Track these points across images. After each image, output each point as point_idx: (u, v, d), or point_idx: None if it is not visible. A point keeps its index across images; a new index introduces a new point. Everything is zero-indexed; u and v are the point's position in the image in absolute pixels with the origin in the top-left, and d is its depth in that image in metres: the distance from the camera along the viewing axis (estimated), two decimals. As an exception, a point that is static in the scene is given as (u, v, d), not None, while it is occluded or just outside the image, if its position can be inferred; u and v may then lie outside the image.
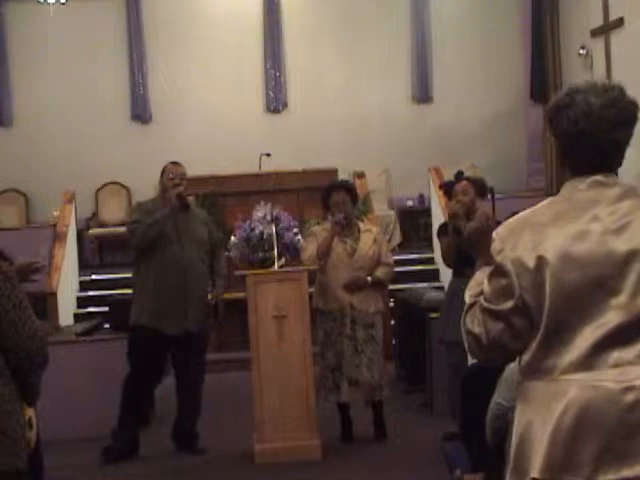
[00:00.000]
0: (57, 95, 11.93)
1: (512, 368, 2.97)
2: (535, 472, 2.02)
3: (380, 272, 5.87)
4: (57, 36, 11.93)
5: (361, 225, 6.07)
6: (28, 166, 11.78)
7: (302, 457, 5.49)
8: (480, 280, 2.25)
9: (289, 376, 5.59)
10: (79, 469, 5.64)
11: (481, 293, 2.20)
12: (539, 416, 2.06)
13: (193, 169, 9.85)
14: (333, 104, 12.07)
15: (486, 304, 2.15)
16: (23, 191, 12.00)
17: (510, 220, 2.20)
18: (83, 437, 6.14)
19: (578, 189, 2.15)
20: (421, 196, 11.69)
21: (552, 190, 10.35)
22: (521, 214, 2.20)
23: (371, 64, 12.23)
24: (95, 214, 11.97)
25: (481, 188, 5.76)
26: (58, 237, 9.67)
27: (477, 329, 2.16)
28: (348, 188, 6.04)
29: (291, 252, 5.87)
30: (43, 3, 11.39)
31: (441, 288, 8.18)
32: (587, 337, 2.05)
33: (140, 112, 12.18)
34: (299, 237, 5.88)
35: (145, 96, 12.20)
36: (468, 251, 2.41)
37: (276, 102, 12.29)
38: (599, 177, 2.14)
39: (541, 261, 2.07)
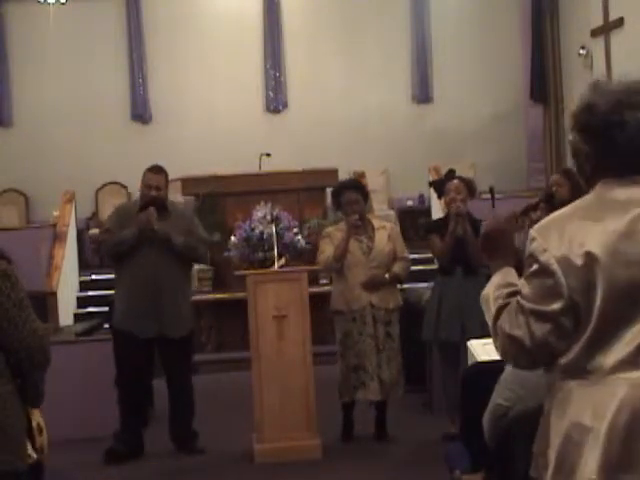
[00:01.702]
0: (57, 95, 11.93)
1: (512, 369, 2.97)
2: (592, 472, 2.00)
3: (398, 267, 5.84)
4: (57, 36, 11.93)
5: (375, 222, 6.02)
6: (28, 166, 11.78)
7: (302, 457, 5.49)
8: (501, 282, 2.20)
9: (289, 376, 5.58)
10: (79, 469, 5.63)
11: (511, 295, 2.15)
12: (587, 416, 2.03)
13: (193, 169, 9.93)
14: (333, 104, 12.08)
15: (531, 305, 2.08)
16: (23, 191, 12.01)
17: (549, 218, 2.16)
18: (83, 437, 6.14)
19: (614, 188, 2.12)
20: (421, 196, 11.69)
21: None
22: (558, 212, 2.16)
23: (371, 64, 12.23)
24: (95, 214, 11.97)
25: (471, 188, 5.80)
26: (58, 237, 9.68)
27: (518, 332, 2.09)
28: (358, 187, 6.00)
29: (291, 252, 5.86)
30: (43, 3, 11.40)
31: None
32: (635, 336, 2.04)
33: (140, 112, 12.19)
34: (299, 237, 5.88)
35: (145, 96, 12.20)
36: (483, 252, 2.32)
37: (276, 102, 12.30)
38: (635, 177, 2.13)
39: (590, 259, 2.03)
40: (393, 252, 5.85)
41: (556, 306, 2.06)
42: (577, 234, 2.07)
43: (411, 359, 7.08)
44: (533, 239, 2.12)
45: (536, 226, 2.16)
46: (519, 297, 2.12)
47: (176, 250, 5.65)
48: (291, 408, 5.57)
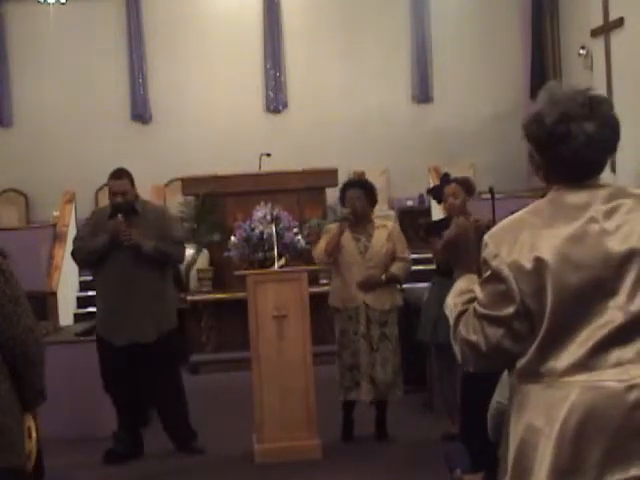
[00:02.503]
0: (57, 95, 11.94)
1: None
2: (542, 477, 2.01)
3: (395, 268, 5.80)
4: (57, 36, 11.94)
5: (376, 221, 6.01)
6: (28, 166, 11.79)
7: (302, 457, 5.48)
8: (463, 288, 2.23)
9: (289, 376, 5.58)
10: (79, 469, 5.63)
11: (470, 301, 2.17)
12: (540, 419, 2.04)
13: (193, 169, 9.93)
14: (333, 104, 12.08)
15: (484, 310, 2.11)
16: (23, 191, 12.01)
17: (501, 224, 2.18)
18: (83, 437, 6.14)
19: (566, 194, 2.13)
20: (421, 196, 11.69)
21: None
22: (511, 217, 2.18)
23: (371, 64, 12.24)
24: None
25: (469, 187, 5.78)
26: (58, 237, 9.68)
27: (474, 337, 2.12)
28: (363, 185, 5.99)
29: (291, 252, 5.86)
30: (43, 3, 11.40)
31: (441, 288, 8.16)
32: (587, 338, 2.04)
33: (140, 112, 12.19)
34: (299, 237, 5.88)
35: (145, 96, 12.21)
36: (447, 259, 2.35)
37: (276, 102, 12.30)
38: (588, 181, 2.14)
39: (540, 263, 2.05)
40: (392, 252, 5.82)
41: (508, 311, 2.08)
42: (529, 239, 2.08)
43: (411, 359, 7.08)
44: (486, 245, 2.14)
45: (489, 232, 2.18)
46: (475, 303, 2.15)
47: (147, 256, 5.58)
48: (291, 408, 5.57)
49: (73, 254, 5.80)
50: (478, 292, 2.15)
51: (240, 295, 6.57)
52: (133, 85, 12.22)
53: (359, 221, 5.79)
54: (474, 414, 3.29)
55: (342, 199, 5.94)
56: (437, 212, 9.92)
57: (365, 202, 5.84)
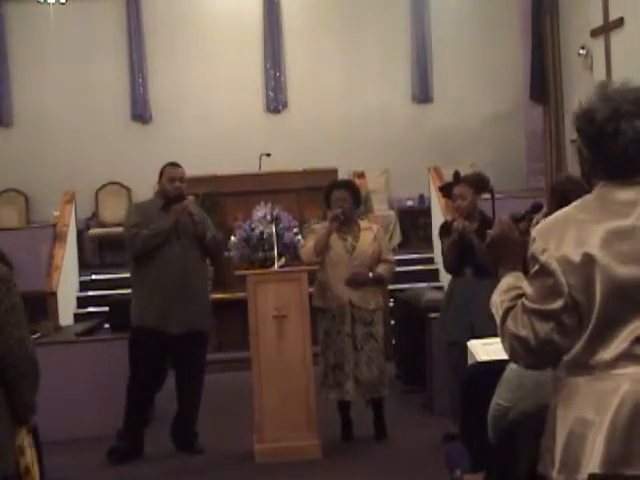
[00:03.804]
0: (57, 95, 11.93)
1: (512, 369, 2.97)
2: (595, 467, 2.04)
3: (382, 269, 5.87)
4: (57, 36, 11.93)
5: (362, 223, 6.07)
6: (28, 166, 11.78)
7: (302, 457, 5.49)
8: (509, 285, 2.25)
9: (289, 376, 5.59)
10: (80, 469, 5.64)
11: (518, 297, 2.19)
12: (591, 411, 2.07)
13: (193, 169, 9.88)
14: (333, 104, 12.08)
15: (532, 305, 2.14)
16: (23, 191, 12.00)
17: (548, 220, 2.21)
18: (83, 437, 6.14)
19: (614, 190, 2.17)
20: (421, 196, 11.69)
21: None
22: (558, 213, 2.21)
23: (371, 64, 12.23)
24: (95, 214, 11.97)
25: (480, 184, 5.75)
26: (58, 237, 9.67)
27: (523, 332, 2.14)
28: (349, 186, 6.05)
29: (291, 252, 5.87)
30: (43, 3, 11.39)
31: (441, 288, 8.17)
32: (635, 331, 2.08)
33: (140, 112, 12.19)
34: (299, 237, 5.88)
35: (145, 96, 12.20)
36: (489, 259, 2.38)
37: (276, 102, 12.30)
38: (634, 178, 2.17)
39: (588, 258, 2.08)
40: (377, 253, 5.88)
41: (557, 305, 2.11)
42: (576, 234, 2.11)
43: (411, 359, 7.09)
44: (534, 240, 2.17)
45: (537, 227, 2.21)
46: (523, 298, 2.17)
47: (205, 244, 5.73)
48: (291, 408, 5.57)
49: (133, 241, 5.65)
50: (526, 287, 2.17)
51: (240, 295, 6.57)
52: (133, 85, 12.21)
53: (345, 221, 5.84)
54: (474, 414, 3.30)
55: (327, 200, 5.98)
56: (437, 212, 9.92)
57: (351, 203, 5.89)
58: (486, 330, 5.31)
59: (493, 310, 2.27)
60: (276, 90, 12.28)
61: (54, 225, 9.95)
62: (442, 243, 5.83)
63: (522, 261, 2.32)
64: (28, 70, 11.97)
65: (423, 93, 12.35)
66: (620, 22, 9.36)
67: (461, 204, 5.66)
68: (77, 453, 5.93)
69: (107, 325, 7.08)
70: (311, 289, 5.88)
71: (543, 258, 2.13)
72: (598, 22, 9.83)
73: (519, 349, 2.17)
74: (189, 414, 5.88)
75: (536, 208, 4.84)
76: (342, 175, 8.86)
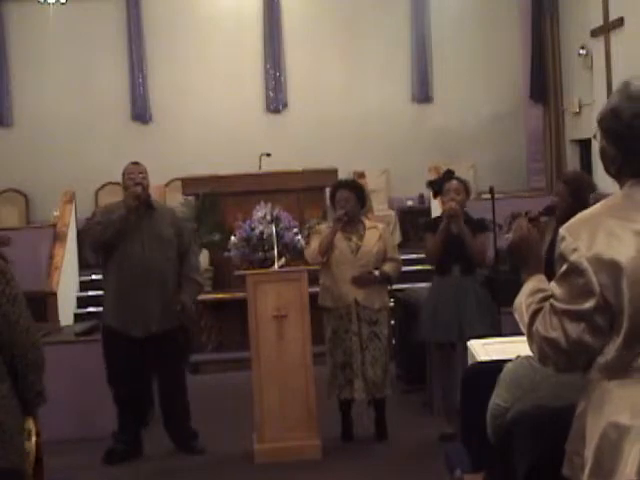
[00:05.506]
0: (57, 95, 11.93)
1: (508, 369, 2.97)
2: (632, 473, 1.99)
3: (388, 267, 5.86)
4: (57, 36, 11.94)
5: (367, 222, 6.06)
6: (28, 166, 11.78)
7: (302, 457, 5.49)
8: (533, 288, 2.21)
9: (289, 376, 5.59)
10: (79, 469, 5.64)
11: (545, 299, 2.15)
12: (625, 416, 2.03)
13: (193, 169, 9.93)
14: (333, 104, 12.08)
15: (563, 306, 2.09)
16: (23, 191, 12.00)
17: (576, 218, 2.17)
18: (83, 437, 6.14)
19: None
20: (421, 196, 11.69)
21: (552, 190, 10.34)
22: (586, 211, 2.18)
23: (371, 64, 12.23)
24: (95, 214, 11.95)
25: (468, 190, 5.86)
26: (58, 237, 9.67)
27: (554, 333, 2.10)
28: (353, 186, 6.04)
29: (291, 252, 5.87)
30: (43, 3, 11.40)
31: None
32: None
33: (140, 112, 12.19)
34: (299, 237, 5.89)
35: (145, 96, 12.20)
36: (515, 262, 2.34)
37: (276, 102, 12.30)
38: None
39: (618, 257, 2.05)
40: (383, 253, 5.88)
41: (588, 305, 2.07)
42: (606, 233, 2.07)
43: (411, 359, 7.08)
44: (563, 238, 2.13)
45: (566, 225, 2.16)
46: (552, 299, 2.13)
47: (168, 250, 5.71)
48: (291, 408, 5.57)
49: (87, 234, 5.70)
50: (555, 288, 2.13)
51: (240, 295, 6.57)
52: (133, 85, 12.21)
53: (350, 221, 5.84)
54: (474, 414, 3.29)
55: (332, 200, 5.99)
56: (437, 212, 9.91)
57: (356, 203, 5.89)
58: (473, 329, 5.36)
59: (516, 315, 2.23)
60: (276, 90, 12.28)
61: (54, 225, 9.95)
62: (427, 239, 5.85)
63: (542, 263, 2.29)
64: (28, 70, 11.98)
65: (423, 93, 12.35)
66: (620, 22, 9.37)
67: (456, 197, 5.71)
68: (77, 453, 5.93)
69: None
70: (311, 289, 5.88)
71: (573, 257, 2.08)
72: (598, 22, 9.84)
73: (550, 351, 2.12)
74: (175, 418, 5.82)
75: (550, 210, 4.83)
76: (342, 175, 8.85)
